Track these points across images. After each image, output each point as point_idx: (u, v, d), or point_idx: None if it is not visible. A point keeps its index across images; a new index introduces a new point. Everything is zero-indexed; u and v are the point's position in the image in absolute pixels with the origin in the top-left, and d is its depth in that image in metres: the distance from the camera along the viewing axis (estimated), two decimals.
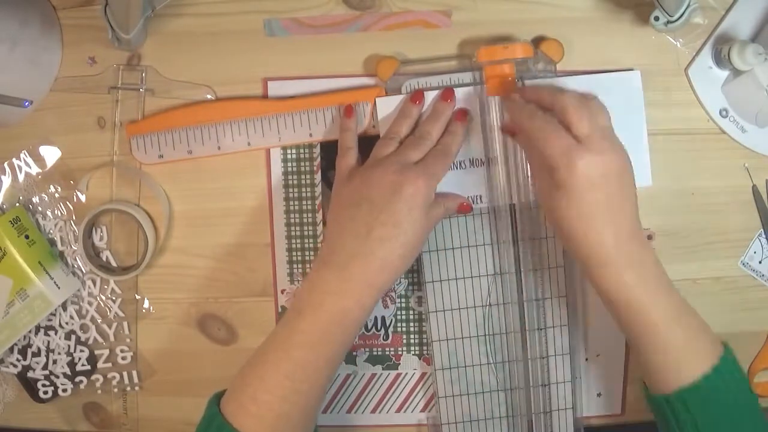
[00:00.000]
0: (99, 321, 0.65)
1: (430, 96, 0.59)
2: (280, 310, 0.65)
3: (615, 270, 0.50)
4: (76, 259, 0.64)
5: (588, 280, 0.53)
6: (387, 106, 0.60)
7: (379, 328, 0.64)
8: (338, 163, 0.59)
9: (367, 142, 0.62)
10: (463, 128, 0.58)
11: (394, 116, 0.60)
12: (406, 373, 0.65)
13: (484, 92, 0.59)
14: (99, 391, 0.66)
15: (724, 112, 0.62)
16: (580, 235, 0.50)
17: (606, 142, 0.50)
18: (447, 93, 0.59)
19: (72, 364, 0.65)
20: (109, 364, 0.66)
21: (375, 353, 0.65)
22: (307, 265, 0.64)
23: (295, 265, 0.64)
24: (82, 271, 0.65)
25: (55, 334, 0.65)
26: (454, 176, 0.59)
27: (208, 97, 0.63)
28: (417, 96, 0.59)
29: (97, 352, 0.65)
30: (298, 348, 0.52)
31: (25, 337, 0.64)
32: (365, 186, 0.54)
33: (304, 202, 0.63)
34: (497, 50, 0.57)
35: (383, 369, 0.65)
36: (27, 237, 0.61)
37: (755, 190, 0.63)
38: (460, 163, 0.60)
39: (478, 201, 0.60)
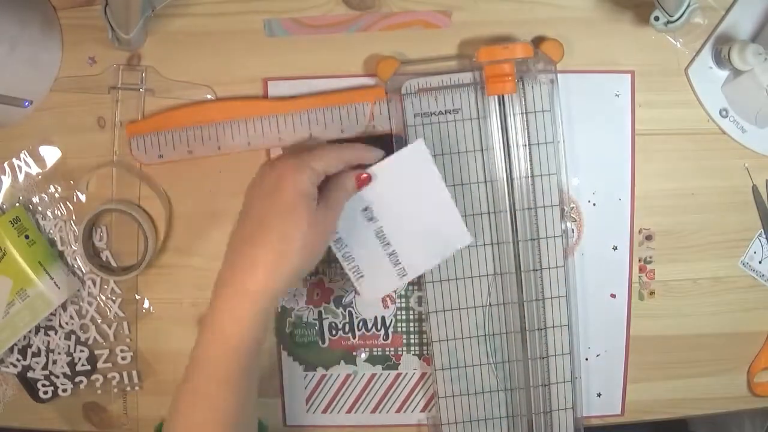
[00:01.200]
0: (99, 321, 0.65)
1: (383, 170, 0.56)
2: (279, 310, 0.64)
3: None
4: (76, 259, 0.64)
5: None
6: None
7: (379, 328, 0.64)
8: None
9: (366, 142, 0.62)
10: (350, 176, 0.54)
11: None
12: (406, 373, 0.65)
13: (485, 92, 0.59)
14: (99, 391, 0.66)
15: (724, 112, 0.62)
16: None
17: None
18: (364, 179, 0.55)
19: (72, 364, 0.65)
20: (109, 364, 0.66)
21: (375, 353, 0.65)
22: None
23: None
24: (82, 271, 0.65)
25: (55, 334, 0.65)
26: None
27: (208, 97, 0.63)
28: (364, 178, 0.55)
29: (97, 352, 0.65)
30: (213, 366, 0.49)
31: (25, 337, 0.64)
32: (248, 204, 0.52)
33: None
34: (497, 50, 0.57)
35: (383, 369, 0.65)
36: (27, 237, 0.61)
37: (755, 190, 0.63)
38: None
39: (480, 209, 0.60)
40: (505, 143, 0.59)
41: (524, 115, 0.60)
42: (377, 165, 0.56)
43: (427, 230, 0.57)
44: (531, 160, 0.60)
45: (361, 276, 0.57)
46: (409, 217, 0.56)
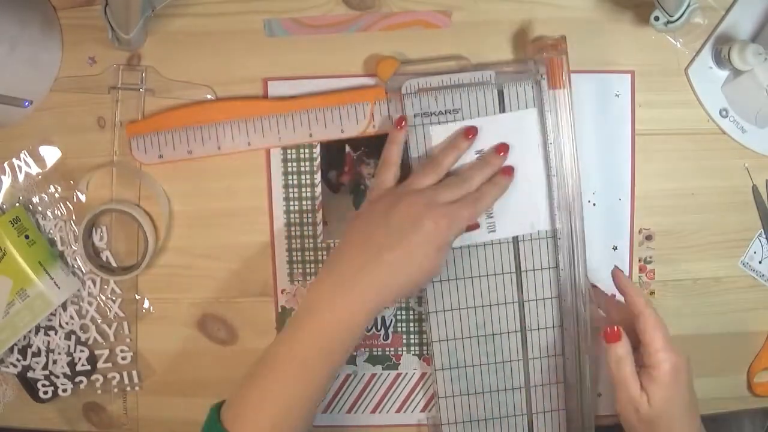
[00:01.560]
0: (99, 321, 0.65)
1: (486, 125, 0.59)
2: (280, 310, 0.65)
3: None
4: (76, 259, 0.64)
5: None
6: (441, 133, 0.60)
7: (379, 328, 0.64)
8: (377, 177, 0.59)
9: (366, 142, 0.62)
10: (507, 183, 0.58)
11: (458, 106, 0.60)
12: (406, 373, 0.65)
13: (539, 86, 0.59)
14: (99, 391, 0.66)
15: (724, 112, 0.62)
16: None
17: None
18: (501, 147, 0.59)
19: (72, 364, 0.65)
20: (109, 364, 0.66)
21: (375, 353, 0.65)
22: (308, 265, 0.64)
23: (295, 265, 0.64)
24: (82, 271, 0.65)
25: (55, 334, 0.65)
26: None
27: (208, 97, 0.63)
28: (471, 130, 0.59)
29: (97, 352, 0.65)
30: (295, 359, 0.52)
31: (25, 337, 0.64)
32: (390, 210, 0.54)
33: (304, 202, 0.63)
34: (559, 43, 0.57)
35: (383, 369, 0.65)
36: (27, 237, 0.61)
37: (755, 190, 0.63)
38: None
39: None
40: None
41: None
42: (486, 118, 0.59)
43: (518, 198, 0.59)
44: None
45: None
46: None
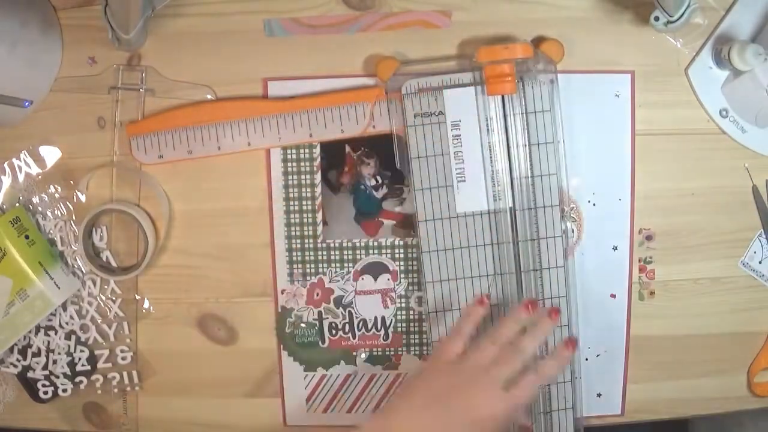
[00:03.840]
0: (99, 321, 0.65)
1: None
2: (279, 310, 0.65)
3: None
4: (76, 259, 0.64)
5: None
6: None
7: (379, 328, 0.64)
8: (445, 344, 0.57)
9: (366, 142, 0.62)
10: (570, 355, 0.57)
11: (462, 106, 0.60)
12: (406, 373, 0.65)
13: (485, 92, 0.59)
14: (99, 391, 0.66)
15: (724, 112, 0.62)
16: None
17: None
18: (553, 312, 0.58)
19: (72, 364, 0.65)
20: (109, 364, 0.66)
21: (375, 353, 0.65)
22: (308, 266, 0.64)
23: (295, 265, 0.64)
24: (82, 271, 0.65)
25: (55, 334, 0.65)
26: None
27: (208, 97, 0.63)
28: (533, 305, 0.57)
29: (97, 352, 0.65)
30: None
31: (25, 337, 0.64)
32: (458, 390, 0.53)
33: (304, 202, 0.63)
34: (497, 50, 0.57)
35: (383, 369, 0.65)
36: (27, 237, 0.61)
37: (755, 190, 0.63)
38: (458, 176, 0.60)
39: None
40: (506, 143, 0.59)
41: (524, 115, 0.60)
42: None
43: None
44: (531, 161, 0.60)
45: (463, 180, 0.59)
46: None
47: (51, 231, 0.64)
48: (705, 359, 0.64)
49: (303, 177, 0.63)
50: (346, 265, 0.64)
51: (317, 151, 0.63)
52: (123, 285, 0.65)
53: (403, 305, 0.64)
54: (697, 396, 0.65)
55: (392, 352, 0.65)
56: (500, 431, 0.53)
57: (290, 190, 0.63)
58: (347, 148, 0.63)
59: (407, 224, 0.63)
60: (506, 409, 0.53)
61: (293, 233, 0.64)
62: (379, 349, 0.65)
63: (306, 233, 0.64)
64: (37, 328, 0.65)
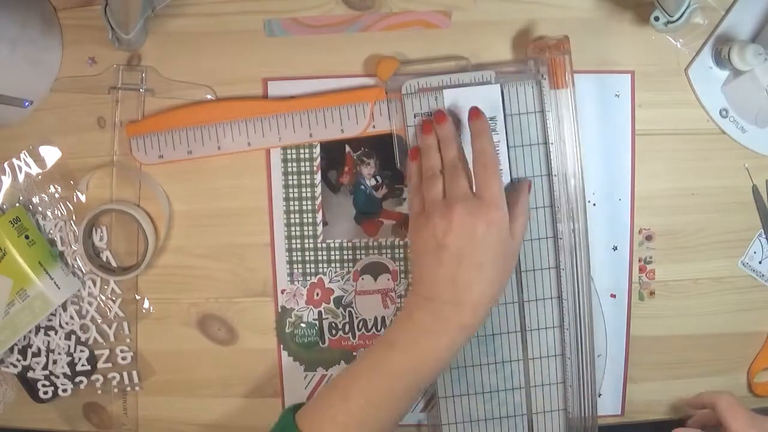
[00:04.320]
0: (99, 321, 0.65)
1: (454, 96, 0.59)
2: (280, 310, 0.65)
3: None
4: (76, 259, 0.64)
5: None
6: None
7: (379, 328, 0.64)
8: (423, 193, 0.57)
9: (366, 142, 0.62)
10: (484, 124, 0.57)
11: (462, 105, 0.59)
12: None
13: (551, 86, 0.59)
14: (99, 391, 0.66)
15: (724, 112, 0.62)
16: None
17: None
18: (439, 116, 0.58)
19: (72, 364, 0.65)
20: (109, 364, 0.66)
21: None
22: (308, 266, 0.64)
23: (295, 265, 0.64)
24: (82, 271, 0.65)
25: (55, 334, 0.65)
26: None
27: (208, 97, 0.63)
28: (427, 127, 0.58)
29: (97, 352, 0.65)
30: (386, 378, 0.52)
31: (25, 337, 0.64)
32: (440, 233, 0.53)
33: (304, 202, 0.63)
34: (556, 43, 0.57)
35: None
36: (27, 237, 0.61)
37: (755, 190, 0.63)
38: None
39: None
40: (505, 143, 0.59)
41: (518, 117, 0.60)
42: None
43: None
44: (531, 162, 0.60)
45: None
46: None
47: (51, 231, 0.64)
48: (705, 359, 0.65)
49: (303, 177, 0.63)
50: (346, 265, 0.64)
51: (317, 151, 0.63)
52: (123, 285, 0.65)
53: (403, 305, 0.64)
54: None
55: None
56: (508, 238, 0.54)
57: (290, 190, 0.63)
58: (347, 148, 0.63)
59: (407, 224, 0.63)
60: (493, 213, 0.53)
61: (293, 233, 0.64)
62: None
63: (306, 233, 0.64)
64: (37, 328, 0.65)
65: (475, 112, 0.57)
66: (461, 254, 0.52)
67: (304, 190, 0.63)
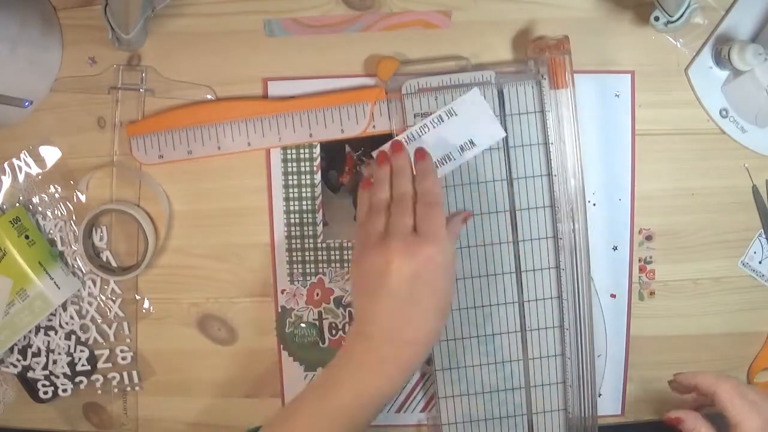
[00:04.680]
0: (99, 321, 0.65)
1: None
2: (279, 310, 0.65)
3: None
4: (76, 259, 0.64)
5: None
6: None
7: None
8: (366, 227, 0.55)
9: (366, 142, 0.62)
10: (429, 165, 0.57)
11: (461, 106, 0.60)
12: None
13: (551, 86, 0.59)
14: (99, 391, 0.66)
15: (724, 112, 0.62)
16: None
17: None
18: (396, 146, 0.58)
19: (72, 364, 0.65)
20: (109, 364, 0.66)
21: None
22: (308, 266, 0.64)
23: (295, 265, 0.64)
24: (82, 271, 0.65)
25: (55, 334, 0.65)
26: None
27: (208, 97, 0.63)
28: (381, 157, 0.58)
29: (97, 352, 0.65)
30: (332, 415, 0.51)
31: (25, 337, 0.64)
32: (377, 270, 0.52)
33: (304, 202, 0.63)
34: (555, 43, 0.58)
35: None
36: (27, 237, 0.61)
37: (755, 190, 0.63)
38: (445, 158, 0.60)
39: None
40: (505, 143, 0.59)
41: (523, 116, 0.60)
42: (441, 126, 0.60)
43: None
44: (531, 161, 0.60)
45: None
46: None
47: (51, 231, 0.64)
48: (705, 359, 0.64)
49: (303, 177, 0.63)
50: (346, 265, 0.64)
51: (317, 151, 0.63)
52: (123, 285, 0.65)
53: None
54: None
55: None
56: (448, 269, 0.53)
57: (290, 190, 0.63)
58: (347, 148, 0.63)
59: None
60: (435, 250, 0.52)
61: (293, 233, 0.64)
62: None
63: (306, 233, 0.64)
64: (37, 328, 0.65)
65: (419, 153, 0.57)
66: (399, 292, 0.51)
67: (304, 190, 0.63)
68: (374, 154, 0.60)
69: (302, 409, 0.52)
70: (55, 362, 0.65)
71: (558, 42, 0.58)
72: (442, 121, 0.60)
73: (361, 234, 0.56)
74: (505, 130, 0.60)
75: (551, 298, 0.61)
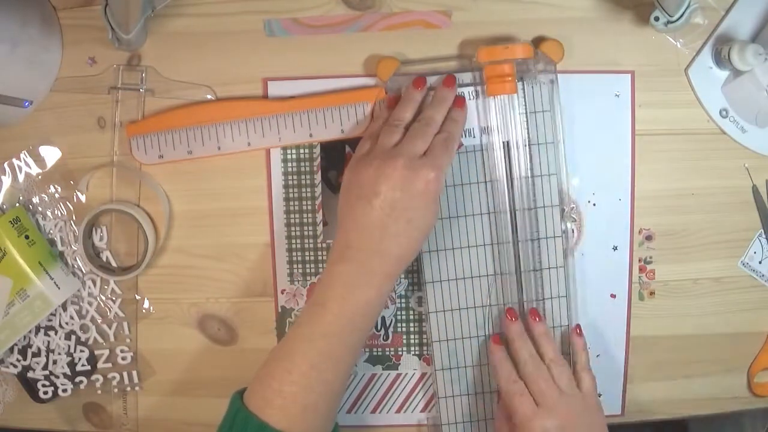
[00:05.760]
0: (99, 321, 0.65)
1: (431, 82, 0.60)
2: (280, 310, 0.65)
3: None
4: (76, 259, 0.64)
5: None
6: None
7: (379, 328, 0.64)
8: (377, 138, 0.57)
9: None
10: (463, 115, 0.59)
11: None
12: (406, 374, 0.65)
13: (485, 92, 0.59)
14: (99, 391, 0.66)
15: (724, 112, 0.62)
16: None
17: (569, 402, 0.56)
18: (449, 80, 0.59)
19: (72, 365, 0.65)
20: (109, 365, 0.66)
21: (375, 353, 0.65)
22: (308, 265, 0.64)
23: (295, 265, 0.64)
24: (82, 272, 0.65)
25: (55, 334, 0.65)
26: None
27: (208, 97, 0.63)
28: (419, 81, 0.59)
29: (97, 352, 0.65)
30: (324, 338, 0.52)
31: (25, 337, 0.64)
32: (376, 179, 0.53)
33: (304, 202, 0.63)
34: (498, 50, 0.57)
35: (383, 369, 0.65)
36: (27, 237, 0.61)
37: (755, 190, 0.63)
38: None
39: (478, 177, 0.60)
40: (506, 143, 0.59)
41: (525, 115, 0.60)
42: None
43: None
44: (531, 161, 0.60)
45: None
46: None
47: (51, 231, 0.64)
48: (705, 359, 0.65)
49: (303, 177, 0.63)
50: None
51: (317, 151, 0.63)
52: (123, 285, 0.65)
53: (403, 305, 0.64)
54: (697, 396, 0.65)
55: (392, 352, 0.65)
56: (437, 200, 0.54)
57: (290, 190, 0.63)
58: (347, 148, 0.63)
59: None
60: (433, 175, 0.53)
61: (293, 233, 0.64)
62: (379, 349, 0.65)
63: (306, 233, 0.64)
64: (37, 328, 0.65)
65: (460, 102, 0.59)
66: (394, 205, 0.53)
67: (304, 190, 0.63)
68: (412, 80, 0.60)
69: (297, 340, 0.53)
70: (55, 362, 0.65)
71: (514, 47, 0.58)
72: None
73: (366, 145, 0.58)
74: (506, 129, 0.60)
75: (551, 298, 0.61)
